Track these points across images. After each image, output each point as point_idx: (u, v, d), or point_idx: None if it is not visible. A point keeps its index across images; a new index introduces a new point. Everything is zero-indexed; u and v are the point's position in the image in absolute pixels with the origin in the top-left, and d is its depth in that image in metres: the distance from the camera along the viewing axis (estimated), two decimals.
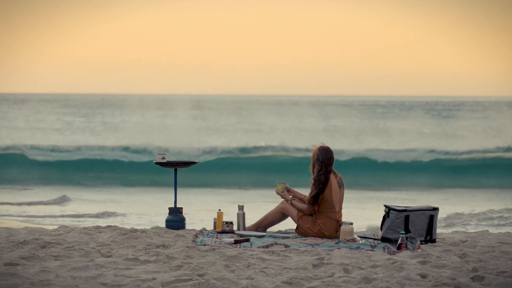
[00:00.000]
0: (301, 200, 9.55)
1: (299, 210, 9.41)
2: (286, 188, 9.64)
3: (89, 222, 15.04)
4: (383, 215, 9.14)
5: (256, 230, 9.67)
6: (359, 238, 9.07)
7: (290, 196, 9.54)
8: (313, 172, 9.36)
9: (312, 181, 9.30)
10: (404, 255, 8.12)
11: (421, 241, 8.91)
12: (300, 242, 8.92)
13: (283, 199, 9.64)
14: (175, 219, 9.79)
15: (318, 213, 9.33)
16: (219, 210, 9.85)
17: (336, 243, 8.92)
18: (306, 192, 9.60)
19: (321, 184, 9.21)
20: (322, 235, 9.28)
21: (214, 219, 9.81)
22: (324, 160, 9.27)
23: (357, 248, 8.60)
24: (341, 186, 9.38)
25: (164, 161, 10.00)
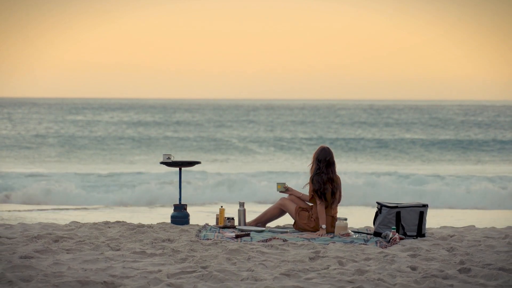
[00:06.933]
0: (299, 198, 9.57)
1: (298, 196, 9.48)
2: (285, 187, 9.65)
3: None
4: (375, 211, 9.17)
5: (256, 225, 9.69)
6: (353, 233, 9.09)
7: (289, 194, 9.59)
8: (311, 171, 9.37)
9: (310, 180, 9.32)
10: (395, 248, 8.15)
11: (412, 236, 8.93)
12: (298, 237, 8.95)
13: (281, 197, 9.69)
14: (180, 215, 9.81)
15: (314, 210, 9.34)
16: (221, 206, 9.90)
17: (331, 237, 8.94)
18: (305, 191, 9.61)
19: (323, 182, 9.22)
20: (318, 230, 9.29)
21: (216, 215, 9.83)
22: (322, 160, 9.28)
23: (351, 242, 8.62)
24: (339, 186, 9.39)
25: (170, 161, 10.02)
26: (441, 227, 10.18)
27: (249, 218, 9.95)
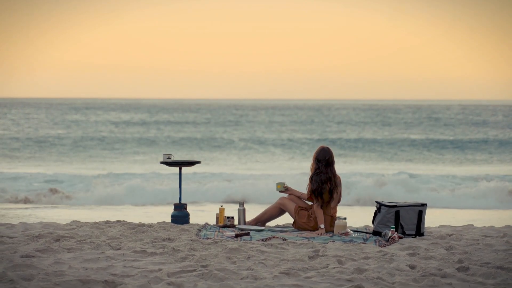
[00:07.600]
0: (299, 198, 9.59)
1: (297, 195, 9.50)
2: (284, 187, 9.68)
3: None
4: (374, 210, 9.20)
5: (256, 224, 9.72)
6: (352, 232, 9.12)
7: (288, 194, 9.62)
8: (311, 170, 9.41)
9: (309, 179, 9.35)
10: (394, 247, 8.17)
11: (411, 235, 8.96)
12: (297, 236, 8.98)
13: (281, 196, 9.71)
14: (180, 214, 9.84)
15: (313, 209, 9.37)
16: (221, 206, 9.93)
17: (331, 236, 8.97)
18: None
19: (321, 182, 9.24)
20: (317, 229, 9.32)
21: (216, 214, 9.86)
22: (321, 159, 9.32)
23: (350, 241, 8.65)
24: (338, 185, 9.42)
25: (170, 160, 10.05)
26: (440, 226, 10.21)
27: (249, 217, 9.97)
